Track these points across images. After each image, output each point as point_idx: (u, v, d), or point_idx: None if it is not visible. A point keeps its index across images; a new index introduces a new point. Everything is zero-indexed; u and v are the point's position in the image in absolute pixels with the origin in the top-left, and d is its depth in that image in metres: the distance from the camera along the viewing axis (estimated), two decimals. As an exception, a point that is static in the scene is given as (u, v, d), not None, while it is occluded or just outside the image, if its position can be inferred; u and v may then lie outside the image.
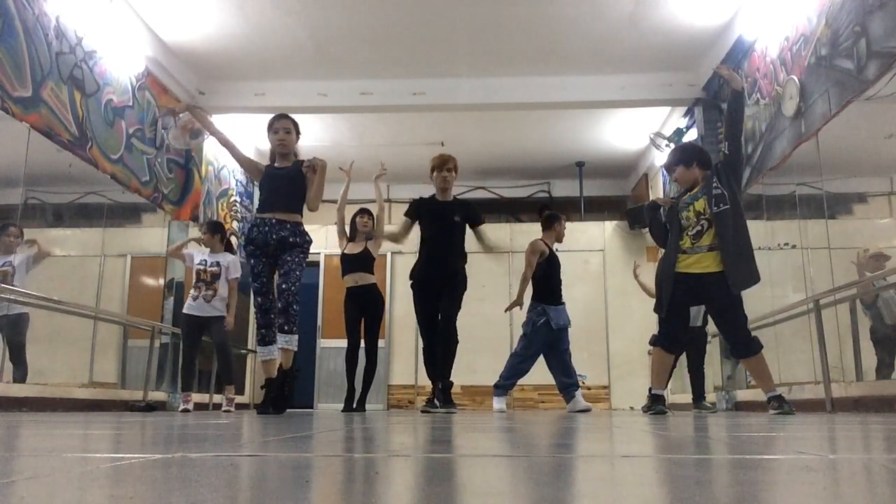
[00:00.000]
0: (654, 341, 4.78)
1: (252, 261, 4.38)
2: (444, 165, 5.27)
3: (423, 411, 4.98)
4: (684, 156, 4.47)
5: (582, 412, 5.61)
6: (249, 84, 7.87)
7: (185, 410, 5.81)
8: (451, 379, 5.10)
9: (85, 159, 5.92)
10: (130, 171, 6.66)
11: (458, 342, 5.08)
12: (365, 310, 6.21)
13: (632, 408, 8.89)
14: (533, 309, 5.94)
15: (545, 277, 5.96)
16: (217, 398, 7.46)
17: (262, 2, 6.46)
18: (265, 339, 4.39)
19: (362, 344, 6.33)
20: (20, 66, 5.11)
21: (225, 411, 6.06)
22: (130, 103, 6.71)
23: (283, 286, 4.27)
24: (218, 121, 7.96)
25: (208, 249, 6.28)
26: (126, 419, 3.47)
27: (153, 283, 7.65)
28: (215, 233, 6.30)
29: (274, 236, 4.31)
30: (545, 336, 5.88)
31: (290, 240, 4.31)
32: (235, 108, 8.08)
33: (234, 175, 9.19)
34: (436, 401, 4.89)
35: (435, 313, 5.13)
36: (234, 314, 6.32)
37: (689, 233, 4.25)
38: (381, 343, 9.39)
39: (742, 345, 4.16)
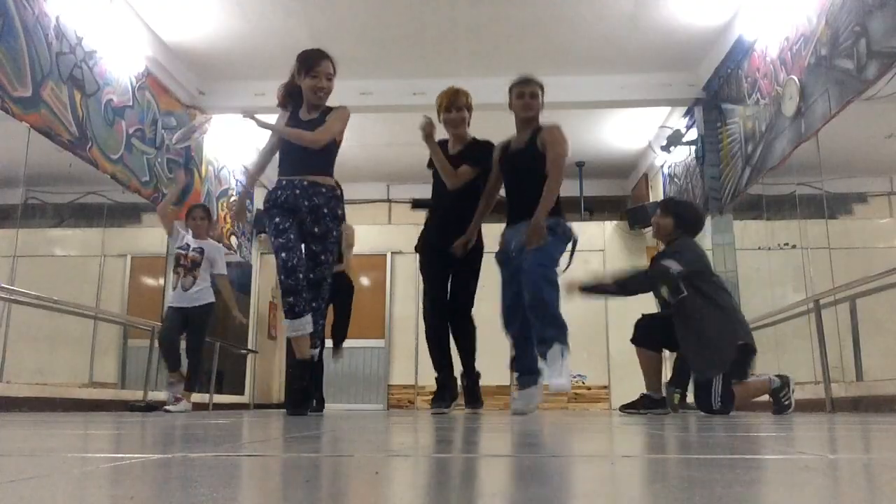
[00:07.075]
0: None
1: (277, 218, 3.62)
2: (452, 106, 4.21)
3: (433, 413, 4.16)
4: (678, 210, 4.32)
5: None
6: (249, 84, 7.87)
7: (167, 411, 5.15)
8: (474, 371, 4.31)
9: (85, 159, 5.92)
10: (130, 171, 6.66)
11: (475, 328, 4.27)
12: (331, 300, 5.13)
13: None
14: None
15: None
16: (200, 397, 7.47)
17: (262, 2, 6.46)
18: (294, 310, 3.55)
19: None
20: (20, 66, 5.10)
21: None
22: (130, 103, 6.70)
23: (322, 257, 3.68)
24: (218, 121, 7.99)
25: (191, 232, 5.60)
26: (126, 419, 3.47)
27: (153, 283, 7.65)
28: (208, 217, 5.72)
29: (307, 202, 3.65)
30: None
31: (326, 209, 3.69)
32: (235, 108, 8.02)
33: (233, 175, 9.19)
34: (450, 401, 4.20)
35: (444, 295, 4.18)
36: (236, 306, 5.86)
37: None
38: (381, 343, 9.47)
39: (706, 408, 3.93)
